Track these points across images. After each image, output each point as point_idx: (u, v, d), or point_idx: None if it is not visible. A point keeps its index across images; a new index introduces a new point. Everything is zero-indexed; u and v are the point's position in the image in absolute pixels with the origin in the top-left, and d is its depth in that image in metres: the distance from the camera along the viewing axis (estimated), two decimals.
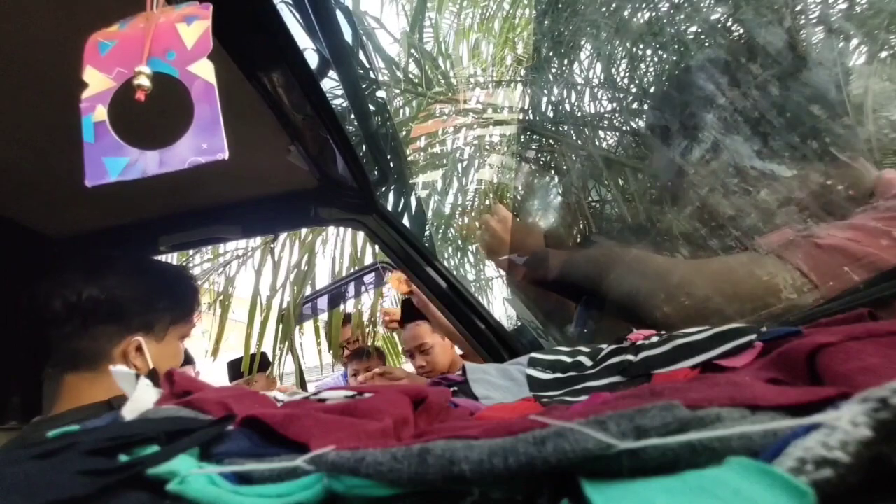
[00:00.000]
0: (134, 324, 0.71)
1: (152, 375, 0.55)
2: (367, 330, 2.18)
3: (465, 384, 0.53)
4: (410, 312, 1.54)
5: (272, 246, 2.49)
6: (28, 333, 0.87)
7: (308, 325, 2.35)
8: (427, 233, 1.94)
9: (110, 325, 0.70)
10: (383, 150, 1.14)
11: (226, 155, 0.33)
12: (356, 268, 2.46)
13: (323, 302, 2.17)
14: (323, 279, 2.43)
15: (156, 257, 1.04)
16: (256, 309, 2.30)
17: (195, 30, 0.36)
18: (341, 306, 2.19)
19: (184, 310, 0.77)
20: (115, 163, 0.35)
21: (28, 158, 0.78)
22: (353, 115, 0.98)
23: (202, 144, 0.34)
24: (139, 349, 0.72)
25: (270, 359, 2.20)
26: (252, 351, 2.16)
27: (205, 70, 0.35)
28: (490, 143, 2.43)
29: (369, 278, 1.99)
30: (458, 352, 1.56)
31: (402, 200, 1.44)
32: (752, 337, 0.38)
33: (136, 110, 0.34)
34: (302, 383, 2.15)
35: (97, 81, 0.36)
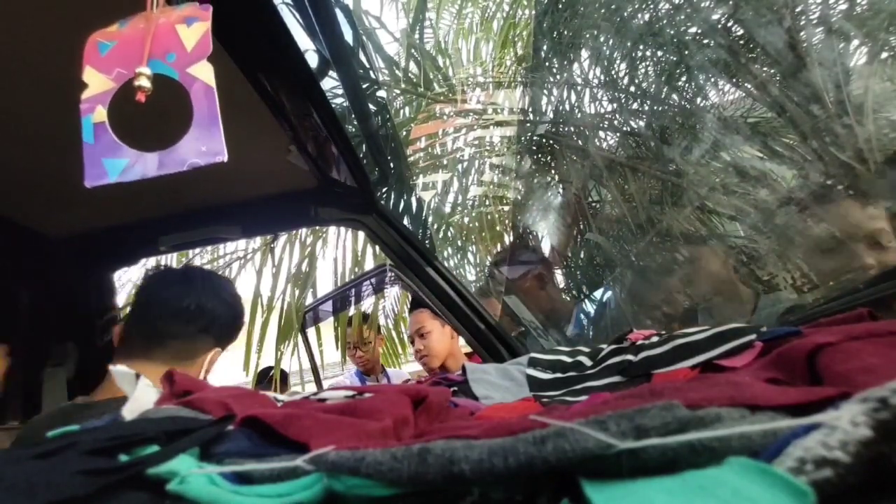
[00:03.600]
0: (223, 339, 0.80)
1: None
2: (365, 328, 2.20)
3: (465, 384, 0.53)
4: (416, 300, 1.62)
5: (272, 246, 2.49)
6: (27, 333, 0.88)
7: (326, 324, 2.36)
8: (427, 233, 1.94)
9: (212, 336, 0.78)
10: (383, 151, 1.14)
11: (225, 157, 0.33)
12: (358, 269, 2.47)
13: (339, 302, 2.19)
14: (325, 280, 2.44)
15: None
16: (257, 310, 2.31)
17: (195, 31, 0.36)
18: (352, 307, 2.21)
19: (237, 336, 0.85)
20: (115, 164, 0.35)
21: (28, 158, 0.78)
22: (353, 115, 0.98)
23: (201, 147, 0.34)
24: (212, 359, 0.79)
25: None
26: (253, 351, 2.17)
27: (204, 72, 0.35)
28: (490, 143, 2.43)
29: (377, 279, 2.00)
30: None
31: (403, 200, 1.44)
32: (752, 337, 0.38)
33: (135, 111, 0.34)
34: (317, 381, 2.17)
35: (97, 82, 0.36)
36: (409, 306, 1.96)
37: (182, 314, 0.73)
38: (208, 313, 0.74)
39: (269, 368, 2.20)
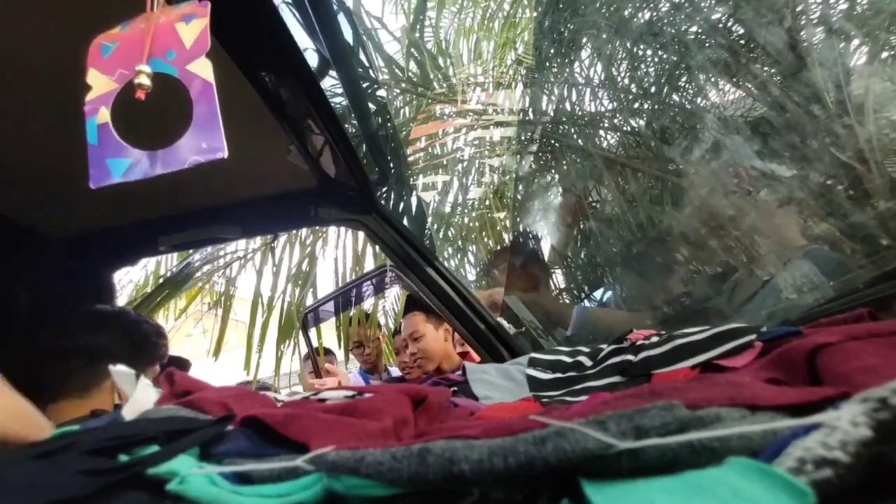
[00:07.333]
0: (136, 360, 0.86)
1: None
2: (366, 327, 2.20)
3: (465, 384, 0.53)
4: (409, 305, 1.65)
5: (272, 246, 2.49)
6: (27, 333, 0.88)
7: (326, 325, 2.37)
8: (427, 233, 1.95)
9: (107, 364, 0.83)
10: (383, 151, 1.14)
11: (225, 154, 0.33)
12: (358, 269, 2.47)
13: (340, 303, 2.20)
14: (325, 280, 2.44)
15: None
16: (258, 309, 2.31)
17: (193, 28, 0.36)
18: (352, 308, 2.21)
19: (156, 355, 0.92)
20: (118, 164, 0.35)
21: (28, 158, 0.78)
22: (353, 115, 0.98)
23: (202, 144, 0.34)
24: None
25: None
26: (254, 351, 2.17)
27: (203, 69, 0.35)
28: (490, 143, 2.43)
29: (378, 280, 2.01)
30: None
31: (402, 201, 1.44)
32: (752, 337, 0.38)
33: (136, 111, 0.33)
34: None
35: (100, 84, 0.36)
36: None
37: (69, 357, 0.81)
38: (93, 349, 0.82)
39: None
